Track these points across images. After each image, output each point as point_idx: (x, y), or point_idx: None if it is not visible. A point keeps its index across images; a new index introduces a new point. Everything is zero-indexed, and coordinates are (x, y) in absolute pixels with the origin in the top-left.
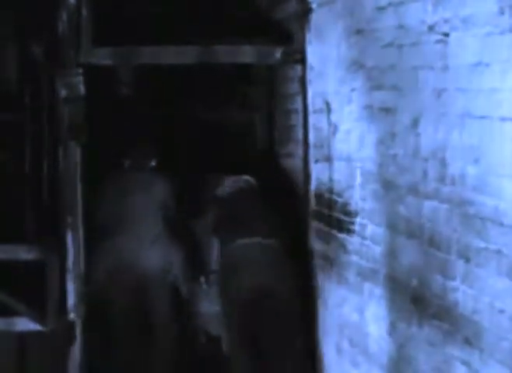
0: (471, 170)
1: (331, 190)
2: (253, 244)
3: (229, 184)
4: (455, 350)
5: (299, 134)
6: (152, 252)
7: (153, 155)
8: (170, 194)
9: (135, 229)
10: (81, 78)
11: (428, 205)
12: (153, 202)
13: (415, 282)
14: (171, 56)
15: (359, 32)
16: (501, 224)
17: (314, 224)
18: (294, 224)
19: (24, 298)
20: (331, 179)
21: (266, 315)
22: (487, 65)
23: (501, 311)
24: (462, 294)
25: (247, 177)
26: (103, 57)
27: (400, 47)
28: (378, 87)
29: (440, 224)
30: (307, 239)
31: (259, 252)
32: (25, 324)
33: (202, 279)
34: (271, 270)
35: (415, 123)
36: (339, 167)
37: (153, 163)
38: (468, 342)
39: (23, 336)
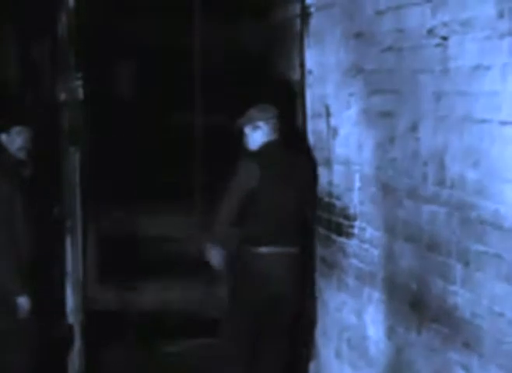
0: (471, 174)
1: (330, 194)
2: (280, 254)
3: None
4: (454, 354)
5: None
6: None
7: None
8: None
9: None
10: (80, 82)
11: (427, 209)
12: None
13: (414, 286)
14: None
15: (358, 36)
16: (501, 229)
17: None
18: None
19: None
20: (330, 183)
21: (271, 320)
22: (487, 69)
23: (500, 315)
24: (461, 298)
25: None
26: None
27: (399, 50)
28: (377, 91)
29: (440, 228)
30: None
31: (283, 264)
32: None
33: None
34: (289, 282)
35: (415, 126)
36: (338, 171)
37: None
38: (467, 346)
39: None
